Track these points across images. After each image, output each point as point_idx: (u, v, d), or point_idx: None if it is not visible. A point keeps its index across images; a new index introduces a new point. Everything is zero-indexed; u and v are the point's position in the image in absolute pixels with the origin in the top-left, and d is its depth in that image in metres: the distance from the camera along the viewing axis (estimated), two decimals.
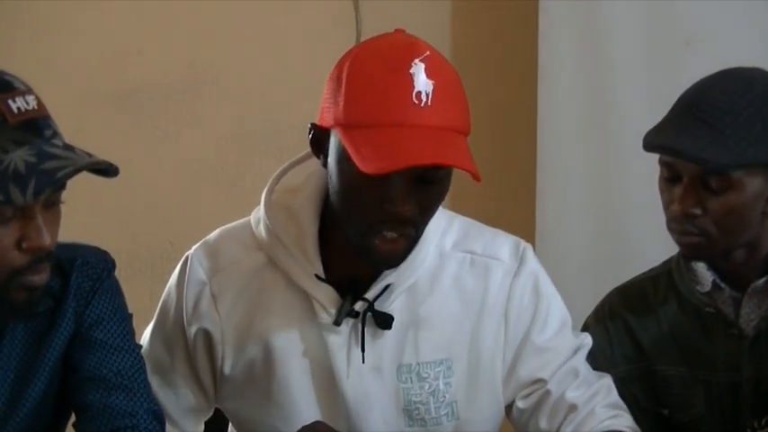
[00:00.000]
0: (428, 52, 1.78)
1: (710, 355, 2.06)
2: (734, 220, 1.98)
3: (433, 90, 1.75)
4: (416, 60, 1.76)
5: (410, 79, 1.75)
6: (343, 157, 1.77)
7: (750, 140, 1.94)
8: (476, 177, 1.73)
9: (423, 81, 1.75)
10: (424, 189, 1.78)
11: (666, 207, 2.02)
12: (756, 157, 1.94)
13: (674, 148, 1.96)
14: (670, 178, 2.01)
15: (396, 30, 1.84)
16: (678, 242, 2.03)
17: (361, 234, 1.80)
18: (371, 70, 1.76)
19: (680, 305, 2.09)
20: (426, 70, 1.75)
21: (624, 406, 1.98)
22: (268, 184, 1.97)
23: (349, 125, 1.76)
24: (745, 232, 2.00)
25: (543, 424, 1.94)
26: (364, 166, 1.72)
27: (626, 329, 2.11)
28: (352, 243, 1.82)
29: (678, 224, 2.00)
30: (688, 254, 2.04)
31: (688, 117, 1.97)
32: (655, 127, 2.02)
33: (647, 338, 2.10)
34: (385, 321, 1.89)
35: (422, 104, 1.74)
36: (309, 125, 1.84)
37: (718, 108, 1.95)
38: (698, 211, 1.97)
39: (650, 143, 2.00)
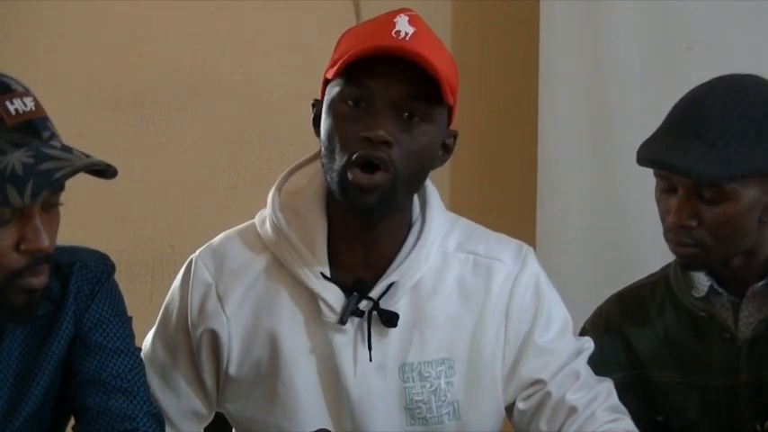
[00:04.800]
0: (415, 13, 1.86)
1: (706, 360, 2.06)
2: (730, 229, 1.97)
3: (413, 33, 1.83)
4: (401, 14, 1.85)
5: (393, 23, 1.83)
6: (329, 103, 1.84)
7: (743, 152, 1.93)
8: (446, 97, 1.80)
9: (404, 24, 1.83)
10: (407, 123, 1.83)
11: (663, 218, 2.02)
12: (750, 167, 1.94)
13: (666, 163, 1.96)
14: (666, 189, 2.01)
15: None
16: (675, 252, 2.03)
17: (340, 170, 1.82)
18: (361, 25, 1.88)
19: (676, 311, 2.09)
20: (409, 21, 1.84)
21: (624, 410, 1.98)
22: (275, 184, 1.98)
23: (334, 66, 1.84)
24: (741, 241, 2.00)
25: (543, 426, 1.94)
26: (342, 63, 1.80)
27: (622, 339, 2.11)
28: (335, 188, 1.84)
29: (674, 235, 2.00)
30: (685, 264, 2.04)
31: (680, 130, 1.96)
32: (648, 140, 2.01)
33: (642, 346, 2.10)
34: (390, 319, 1.90)
35: (399, 38, 1.82)
36: (312, 101, 1.90)
37: (711, 119, 1.94)
38: (693, 223, 1.97)
39: (643, 157, 1.99)
